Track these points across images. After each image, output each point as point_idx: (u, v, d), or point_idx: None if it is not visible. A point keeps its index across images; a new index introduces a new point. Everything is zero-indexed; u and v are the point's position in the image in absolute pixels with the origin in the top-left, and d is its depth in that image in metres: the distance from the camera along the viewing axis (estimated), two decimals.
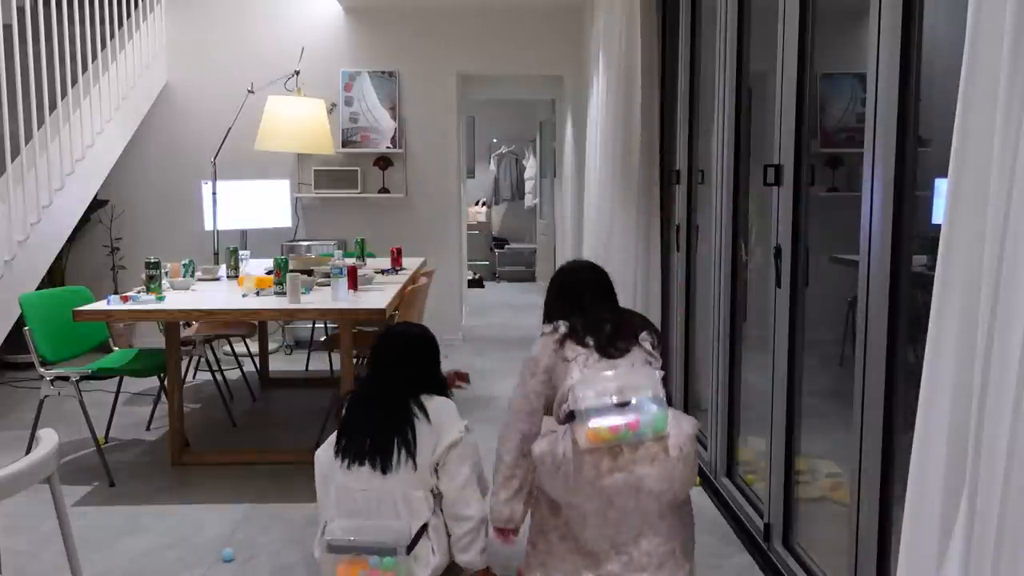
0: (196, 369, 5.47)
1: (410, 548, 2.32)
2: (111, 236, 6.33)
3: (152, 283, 3.68)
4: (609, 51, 4.68)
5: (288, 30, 6.28)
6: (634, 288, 4.41)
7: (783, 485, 2.63)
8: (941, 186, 1.80)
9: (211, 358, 4.71)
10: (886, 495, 2.02)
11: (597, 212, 4.85)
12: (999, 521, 1.17)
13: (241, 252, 4.58)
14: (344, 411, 2.54)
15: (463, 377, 3.10)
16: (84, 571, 2.73)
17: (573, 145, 6.82)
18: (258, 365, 5.29)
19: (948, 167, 1.31)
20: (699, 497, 3.24)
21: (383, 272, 4.56)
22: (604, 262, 4.64)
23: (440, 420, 2.45)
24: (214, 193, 5.35)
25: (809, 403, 2.56)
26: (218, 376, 4.79)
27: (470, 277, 9.55)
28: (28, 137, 4.39)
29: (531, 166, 10.30)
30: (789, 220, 2.54)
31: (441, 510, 2.45)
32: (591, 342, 2.26)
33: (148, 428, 4.34)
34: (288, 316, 3.74)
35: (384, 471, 2.36)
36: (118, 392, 4.21)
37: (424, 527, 2.37)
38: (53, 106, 4.61)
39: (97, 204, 5.94)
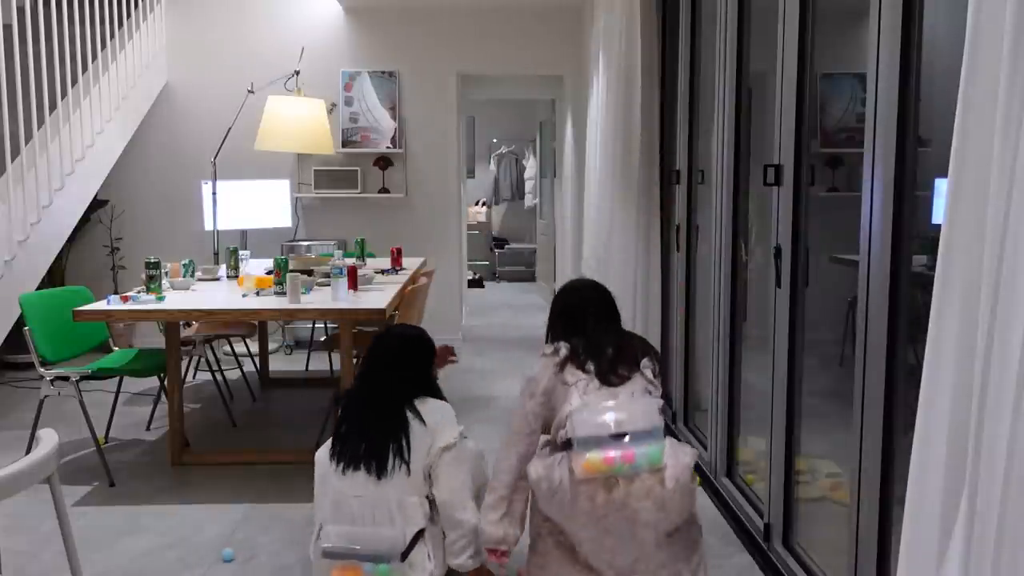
0: (196, 369, 5.47)
1: (404, 556, 2.31)
2: (111, 236, 6.33)
3: (152, 283, 3.68)
4: (609, 51, 4.69)
5: (288, 30, 6.28)
6: (634, 288, 4.41)
7: (783, 485, 2.63)
8: (941, 186, 1.81)
9: (211, 358, 4.71)
10: (886, 495, 2.02)
11: (597, 212, 4.85)
12: (999, 521, 1.17)
13: (241, 252, 4.58)
14: (339, 412, 2.53)
15: (451, 351, 3.07)
16: (84, 571, 2.73)
17: (573, 145, 6.82)
18: (258, 365, 5.29)
19: (948, 167, 1.31)
20: (699, 497, 3.24)
21: (383, 272, 4.56)
22: (604, 262, 4.68)
23: (435, 423, 2.43)
24: (214, 193, 5.35)
25: (809, 403, 2.56)
26: (218, 376, 4.79)
27: (470, 277, 9.55)
28: (28, 137, 4.39)
29: (531, 166, 10.30)
30: (789, 220, 2.54)
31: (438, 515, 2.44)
32: (591, 367, 2.26)
33: (148, 428, 4.34)
34: (288, 316, 3.74)
35: (379, 476, 2.34)
36: (118, 392, 4.21)
37: (420, 534, 2.35)
38: (53, 106, 4.61)
39: (97, 204, 5.94)
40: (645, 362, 2.30)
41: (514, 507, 2.32)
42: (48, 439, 1.75)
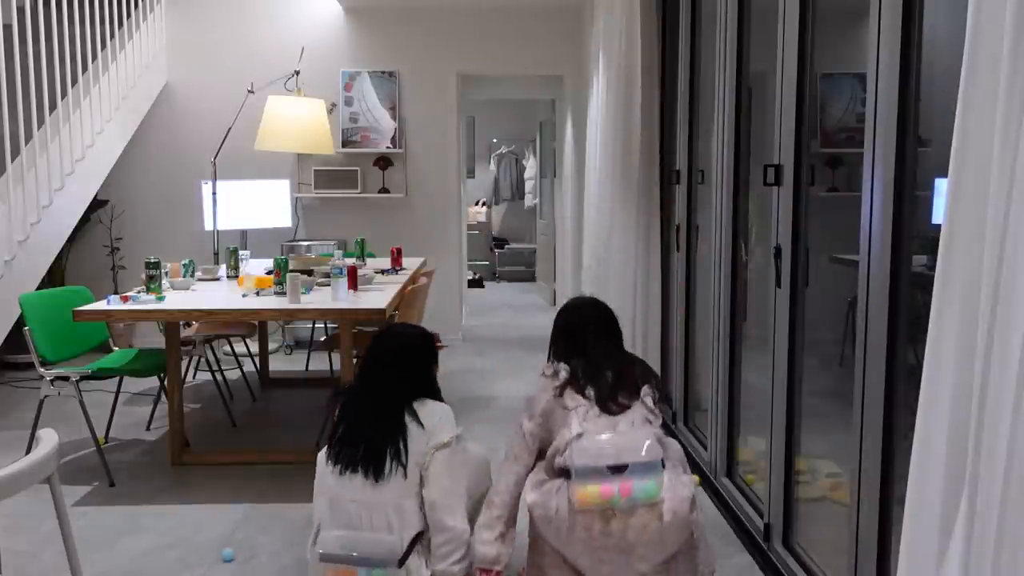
0: (196, 369, 5.47)
1: (402, 561, 2.30)
2: (111, 236, 6.33)
3: (152, 283, 3.68)
4: (609, 51, 4.69)
5: (288, 30, 6.28)
6: (634, 288, 4.41)
7: (783, 485, 2.63)
8: (941, 186, 1.81)
9: (211, 358, 4.71)
10: (886, 495, 2.02)
11: (597, 212, 4.85)
12: (999, 521, 1.17)
13: (241, 252, 4.58)
14: (337, 411, 2.52)
15: (436, 338, 3.06)
16: (84, 571, 2.73)
17: (573, 145, 6.82)
18: (258, 365, 5.29)
19: (948, 167, 1.31)
20: (699, 497, 3.24)
21: (383, 272, 4.56)
22: (604, 262, 4.68)
23: (433, 425, 2.38)
24: (214, 193, 5.35)
25: (809, 403, 2.56)
26: (218, 376, 4.79)
27: (470, 277, 9.55)
28: (28, 137, 4.39)
29: (531, 166, 10.30)
30: (789, 220, 2.54)
31: None
32: (591, 393, 2.26)
33: (148, 428, 4.34)
34: (288, 316, 3.74)
35: (376, 480, 2.31)
36: (118, 392, 4.21)
37: (417, 539, 2.34)
38: (53, 106, 4.61)
39: (97, 204, 5.94)
40: (645, 390, 2.30)
41: (510, 528, 2.32)
42: (48, 439, 1.75)
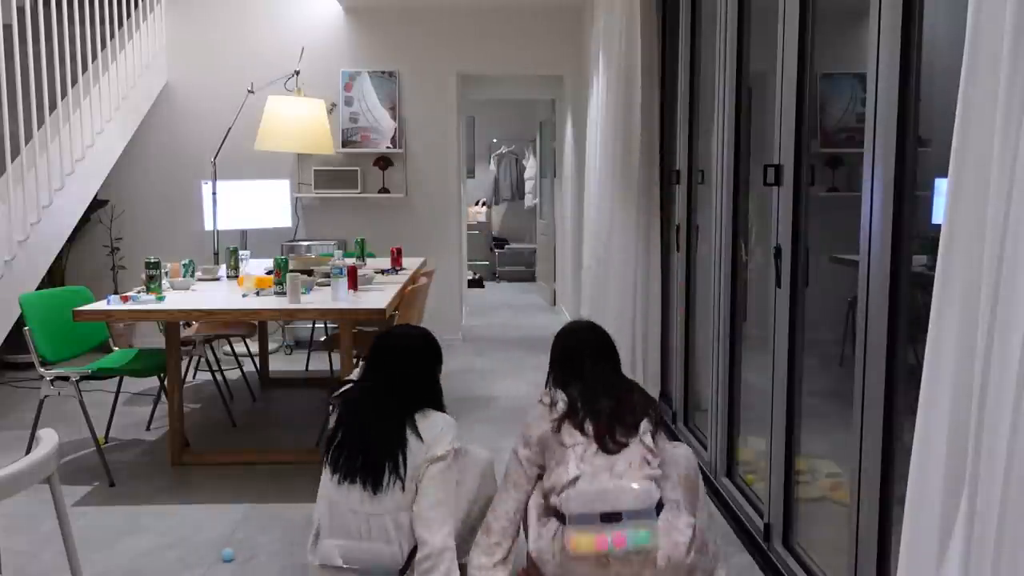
0: (196, 369, 5.47)
1: (403, 572, 2.30)
2: (111, 236, 6.33)
3: (152, 283, 3.68)
4: (609, 51, 4.69)
5: (288, 30, 6.29)
6: (634, 288, 4.41)
7: (783, 485, 2.63)
8: (941, 186, 1.81)
9: (211, 358, 4.71)
10: (886, 495, 2.02)
11: (597, 212, 4.85)
12: (999, 521, 1.17)
13: (241, 252, 4.58)
14: (337, 416, 2.46)
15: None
16: (84, 571, 2.73)
17: (573, 145, 6.82)
18: (258, 365, 5.29)
19: (948, 167, 1.31)
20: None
21: (383, 272, 4.56)
22: (604, 262, 4.68)
23: (432, 438, 2.34)
24: (214, 193, 5.35)
25: (809, 403, 2.56)
26: (218, 376, 4.80)
27: (470, 277, 9.56)
28: (28, 137, 4.39)
29: (531, 166, 10.30)
30: (789, 220, 2.54)
31: None
32: (590, 430, 2.26)
33: (148, 428, 4.34)
34: (288, 316, 3.74)
35: (375, 491, 2.29)
36: (118, 392, 4.21)
37: (416, 550, 2.32)
38: (53, 106, 4.62)
39: (97, 204, 5.94)
40: (644, 425, 2.28)
41: (504, 554, 2.32)
42: (48, 439, 1.75)
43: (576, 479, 2.18)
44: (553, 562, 2.18)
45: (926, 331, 1.37)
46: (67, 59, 4.68)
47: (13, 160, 4.25)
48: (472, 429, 4.23)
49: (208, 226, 5.41)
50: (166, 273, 4.12)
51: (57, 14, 4.64)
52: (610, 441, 2.24)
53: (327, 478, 2.37)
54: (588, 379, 2.39)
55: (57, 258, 5.28)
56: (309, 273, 4.10)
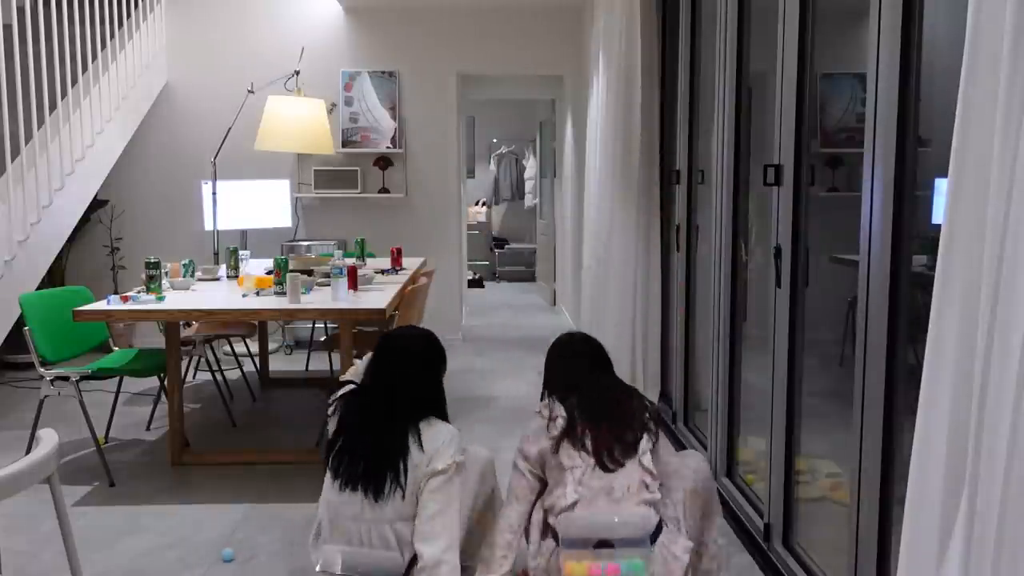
0: (196, 369, 5.47)
1: None
2: (111, 236, 6.33)
3: (152, 283, 3.68)
4: (609, 51, 4.69)
5: (288, 30, 6.29)
6: (634, 288, 4.41)
7: (783, 485, 2.63)
8: (941, 186, 1.80)
9: (211, 358, 4.71)
10: (886, 495, 2.02)
11: (597, 212, 4.85)
12: (999, 521, 1.17)
13: (241, 252, 4.58)
14: (338, 419, 2.43)
15: None
16: (84, 571, 2.73)
17: (573, 145, 6.82)
18: (258, 365, 5.29)
19: (948, 167, 1.31)
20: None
21: (383, 272, 4.56)
22: (604, 262, 4.68)
23: (434, 449, 2.31)
24: (214, 193, 5.35)
25: (809, 403, 2.56)
26: (218, 376, 4.80)
27: (470, 277, 9.56)
28: (28, 137, 4.39)
29: (531, 166, 10.30)
30: (789, 220, 2.54)
31: None
32: (589, 445, 2.24)
33: (148, 428, 4.34)
34: (288, 316, 3.74)
35: (376, 499, 2.27)
36: (118, 392, 4.21)
37: (415, 559, 2.31)
38: (53, 106, 4.61)
39: (97, 204, 5.94)
40: (644, 443, 2.26)
41: (512, 566, 2.31)
42: (48, 439, 1.75)
43: (574, 504, 2.19)
44: None
45: (926, 331, 1.37)
46: (67, 59, 4.68)
47: (13, 160, 4.25)
48: (472, 429, 4.23)
49: (208, 226, 5.41)
50: (166, 273, 4.12)
51: (57, 14, 4.64)
52: (608, 460, 2.22)
53: (329, 482, 2.36)
54: (585, 389, 2.37)
55: (57, 258, 5.28)
56: (309, 273, 4.10)
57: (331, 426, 2.48)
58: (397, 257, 4.81)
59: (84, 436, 4.10)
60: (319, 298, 3.65)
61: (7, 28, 4.50)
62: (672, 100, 4.16)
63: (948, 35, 1.83)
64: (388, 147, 6.35)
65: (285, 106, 5.28)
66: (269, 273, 4.00)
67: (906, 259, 1.93)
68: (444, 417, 2.47)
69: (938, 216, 1.68)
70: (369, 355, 2.75)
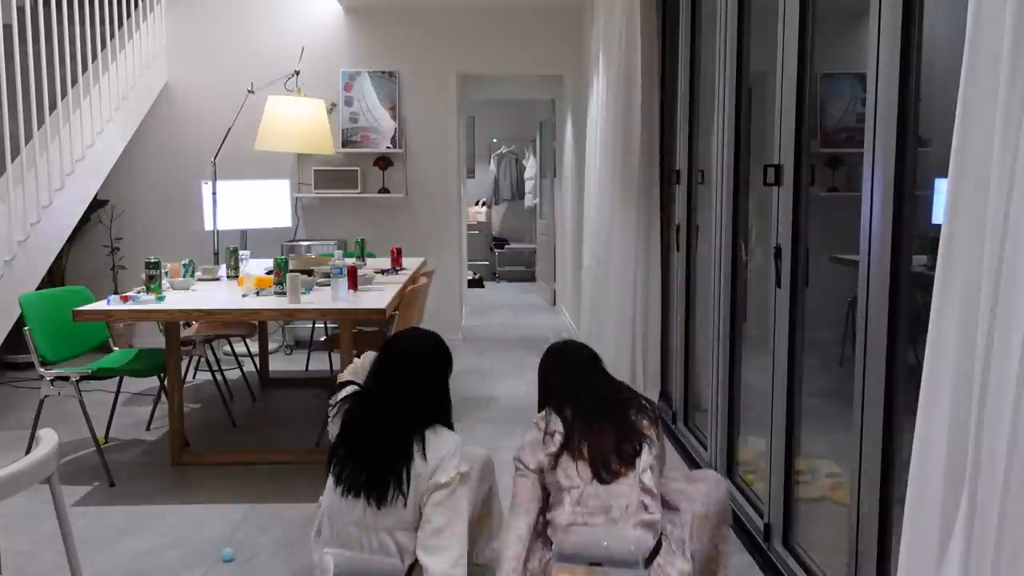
0: (196, 369, 5.47)
1: None
2: (111, 236, 6.33)
3: (152, 283, 3.68)
4: (609, 51, 4.69)
5: (288, 30, 6.28)
6: (634, 288, 4.41)
7: (783, 485, 2.63)
8: (941, 186, 1.80)
9: (211, 358, 4.71)
10: (886, 495, 2.02)
11: (597, 212, 4.85)
12: (999, 521, 1.17)
13: (241, 252, 4.58)
14: (341, 424, 2.40)
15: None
16: (84, 571, 2.73)
17: (573, 145, 6.82)
18: (258, 365, 5.29)
19: (948, 167, 1.31)
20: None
21: (383, 272, 4.56)
22: (604, 262, 4.68)
23: (437, 459, 2.28)
24: (214, 193, 5.35)
25: (809, 403, 2.56)
26: (218, 376, 4.80)
27: (470, 277, 9.56)
28: (28, 137, 4.39)
29: (531, 166, 10.30)
30: (789, 220, 2.54)
31: None
32: (586, 454, 2.22)
33: (148, 428, 4.34)
34: (288, 316, 3.74)
35: (379, 507, 2.25)
36: (118, 392, 4.21)
37: (415, 566, 2.30)
38: (53, 106, 4.61)
39: (97, 204, 5.94)
40: (646, 458, 2.22)
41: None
42: (48, 439, 1.75)
43: (571, 524, 2.18)
44: None
45: (926, 331, 1.37)
46: (67, 59, 4.68)
47: (13, 160, 4.25)
48: (472, 429, 4.23)
49: (208, 226, 5.41)
50: (166, 273, 4.12)
51: (57, 14, 4.64)
52: (605, 471, 2.20)
53: (331, 486, 2.35)
54: (583, 398, 2.34)
55: (57, 258, 5.28)
56: (309, 273, 4.10)
57: (333, 429, 2.47)
58: (397, 257, 4.81)
59: (84, 436, 4.10)
60: (319, 298, 3.65)
61: (7, 28, 4.50)
62: (672, 100, 4.16)
63: (948, 35, 1.83)
64: (388, 147, 6.35)
65: (285, 106, 5.28)
66: (269, 273, 4.00)
67: (906, 259, 1.93)
68: (449, 420, 2.45)
69: (938, 216, 1.68)
70: (368, 353, 2.74)
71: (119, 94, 5.39)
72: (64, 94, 4.69)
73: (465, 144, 7.62)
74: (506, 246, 10.75)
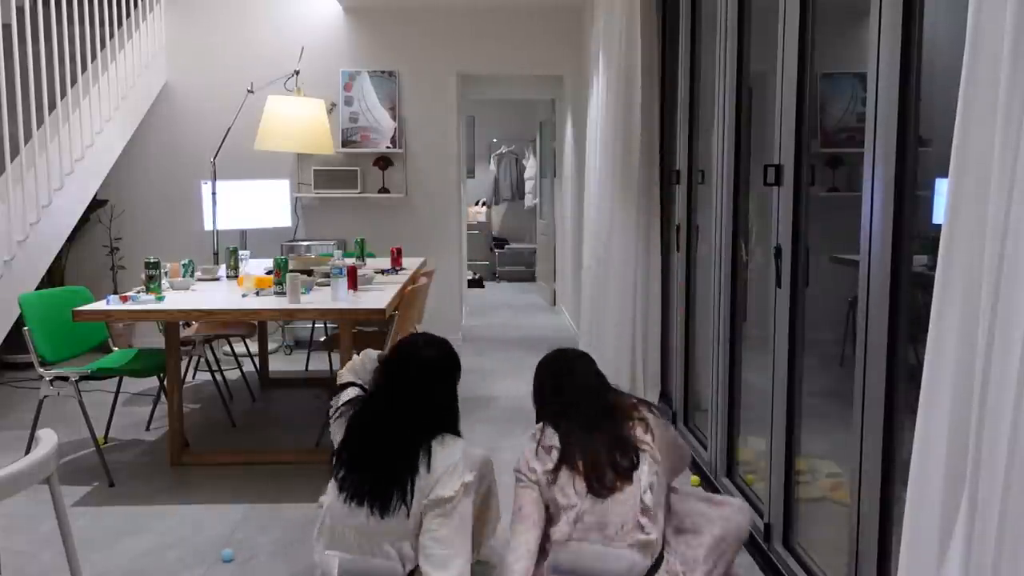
0: (196, 369, 5.47)
1: None
2: (111, 236, 6.33)
3: (152, 283, 3.68)
4: (609, 51, 4.69)
5: (288, 30, 6.28)
6: (634, 288, 4.41)
7: (783, 485, 2.62)
8: (941, 186, 1.80)
9: (211, 358, 4.71)
10: (886, 495, 2.02)
11: (597, 212, 4.85)
12: (999, 520, 1.17)
13: (241, 252, 4.58)
14: (346, 430, 2.39)
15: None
16: (84, 571, 2.73)
17: (573, 145, 6.82)
18: (258, 365, 5.29)
19: (948, 167, 1.31)
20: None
21: (383, 272, 4.56)
22: (604, 262, 4.68)
23: (442, 470, 2.27)
24: (214, 193, 5.35)
25: (809, 403, 2.56)
26: (218, 376, 4.79)
27: (470, 277, 9.55)
28: (28, 137, 4.39)
29: (531, 166, 10.30)
30: (789, 220, 2.54)
31: None
32: (582, 467, 2.21)
33: (148, 428, 4.34)
34: (288, 316, 3.74)
35: (381, 516, 2.25)
36: (118, 392, 4.21)
37: (414, 571, 2.30)
38: (53, 106, 4.61)
39: (97, 204, 5.94)
40: (647, 474, 2.21)
41: None
42: (48, 439, 1.75)
43: (567, 540, 2.18)
44: None
45: (926, 331, 1.37)
46: (66, 59, 4.68)
47: (13, 160, 4.25)
48: (473, 429, 4.22)
49: (208, 226, 5.41)
50: (166, 273, 4.12)
51: (57, 14, 4.64)
52: (600, 486, 2.19)
53: (334, 491, 2.34)
54: (584, 406, 2.33)
55: (57, 258, 5.27)
56: (309, 273, 4.10)
57: (335, 431, 2.46)
58: (397, 257, 4.81)
59: (84, 436, 4.10)
60: (319, 298, 3.64)
61: (7, 28, 4.50)
62: (672, 100, 4.16)
63: (948, 35, 1.83)
64: (388, 147, 6.35)
65: (285, 106, 5.27)
66: (269, 273, 4.00)
67: (906, 259, 1.93)
68: (456, 428, 2.43)
69: (938, 216, 1.68)
70: (367, 351, 2.74)
71: (118, 94, 5.39)
72: (63, 94, 4.69)
73: (465, 144, 7.62)
74: (506, 246, 10.75)
